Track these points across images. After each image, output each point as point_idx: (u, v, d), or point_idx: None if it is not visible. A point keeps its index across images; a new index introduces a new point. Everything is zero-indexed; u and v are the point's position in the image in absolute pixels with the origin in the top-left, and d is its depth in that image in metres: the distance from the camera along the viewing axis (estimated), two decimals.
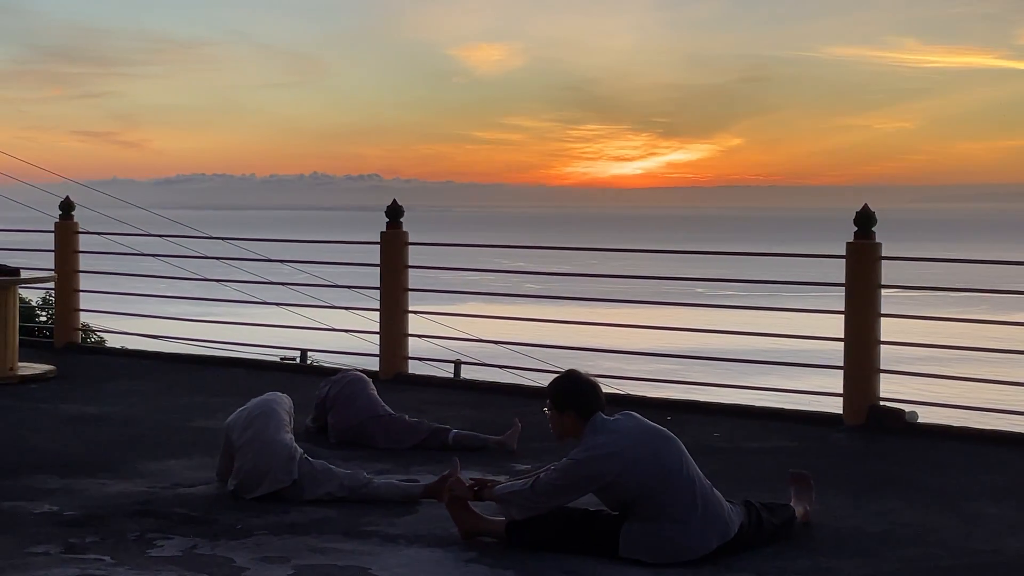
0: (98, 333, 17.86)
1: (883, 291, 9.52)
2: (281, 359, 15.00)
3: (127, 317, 14.57)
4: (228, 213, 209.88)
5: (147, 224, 14.72)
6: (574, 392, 6.15)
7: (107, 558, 5.86)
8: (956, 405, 9.63)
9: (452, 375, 14.97)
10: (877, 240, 9.59)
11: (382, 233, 11.83)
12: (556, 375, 6.35)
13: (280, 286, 13.90)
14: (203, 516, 6.66)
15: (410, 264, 11.85)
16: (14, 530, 6.34)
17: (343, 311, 13.48)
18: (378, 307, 11.82)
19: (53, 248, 13.79)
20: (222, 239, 14.30)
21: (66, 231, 13.76)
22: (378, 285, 11.87)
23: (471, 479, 6.48)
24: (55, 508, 6.80)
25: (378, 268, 11.84)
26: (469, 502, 6.33)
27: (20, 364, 11.65)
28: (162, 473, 7.71)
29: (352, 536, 6.31)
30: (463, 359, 15.24)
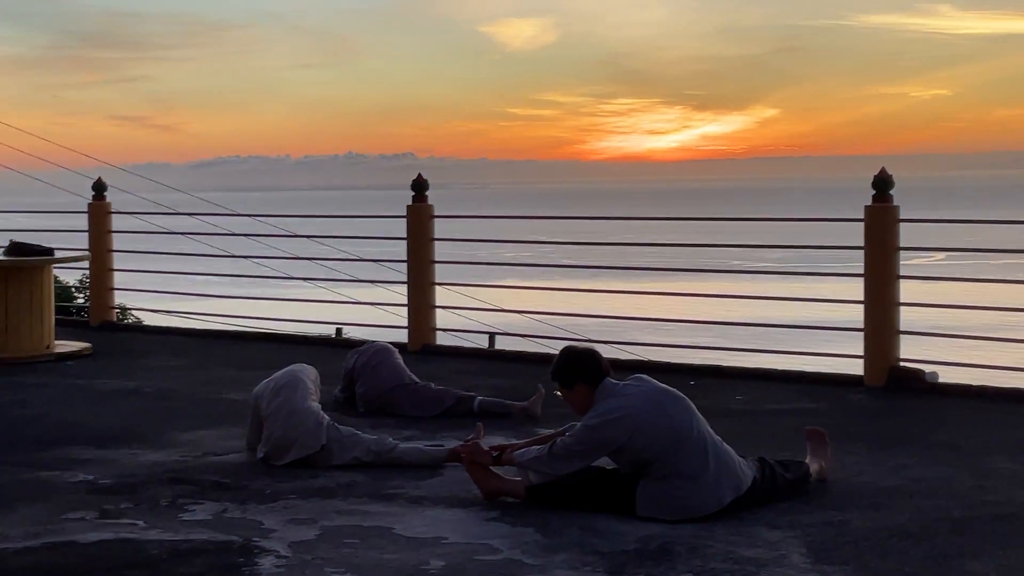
0: (133, 313, 18.09)
1: (918, 257, 9.56)
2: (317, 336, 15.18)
3: (161, 296, 14.77)
4: (264, 194, 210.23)
5: (183, 207, 14.91)
6: (575, 366, 6.29)
7: (140, 522, 6.05)
8: (976, 365, 9.68)
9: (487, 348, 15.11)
10: (896, 204, 9.68)
11: (408, 207, 12.02)
12: (554, 359, 6.46)
13: (309, 262, 14.07)
14: (233, 482, 6.85)
15: (436, 237, 12.04)
16: (51, 498, 6.54)
17: (373, 286, 13.64)
18: (405, 280, 12.03)
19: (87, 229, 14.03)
20: (250, 216, 14.48)
21: (99, 211, 13.98)
22: (405, 259, 12.07)
23: (493, 446, 6.64)
24: (90, 477, 7.00)
25: (405, 242, 12.05)
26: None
27: (56, 342, 11.87)
28: (194, 443, 7.90)
29: (378, 498, 6.47)
30: (493, 331, 15.34)
